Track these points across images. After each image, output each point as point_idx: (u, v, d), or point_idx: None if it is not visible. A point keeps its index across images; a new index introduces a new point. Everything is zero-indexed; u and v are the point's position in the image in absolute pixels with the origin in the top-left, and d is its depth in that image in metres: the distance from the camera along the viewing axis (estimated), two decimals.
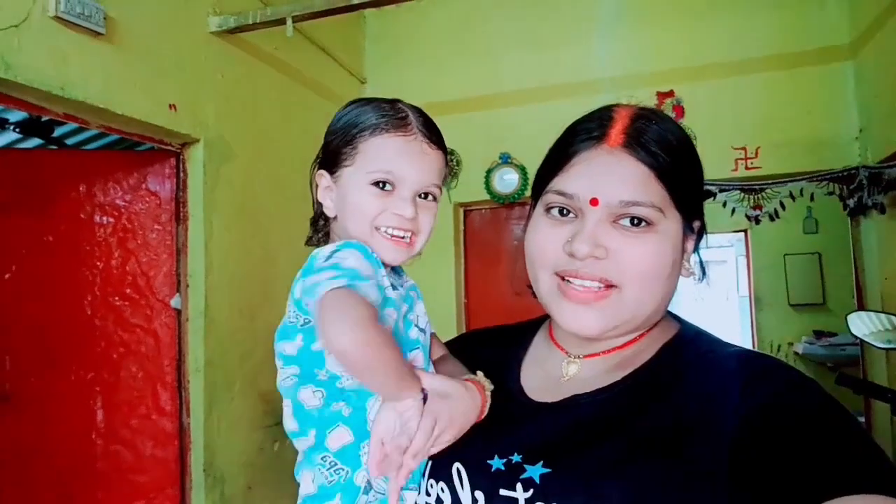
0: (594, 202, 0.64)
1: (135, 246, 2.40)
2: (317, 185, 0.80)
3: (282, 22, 2.44)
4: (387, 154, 0.74)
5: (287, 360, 0.72)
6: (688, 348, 0.68)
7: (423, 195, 0.76)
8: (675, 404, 0.61)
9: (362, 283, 0.63)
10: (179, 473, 2.33)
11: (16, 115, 3.30)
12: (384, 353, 0.61)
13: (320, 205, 0.80)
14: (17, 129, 3.33)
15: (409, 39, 3.68)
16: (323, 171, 0.79)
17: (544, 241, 0.68)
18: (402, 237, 0.75)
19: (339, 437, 0.69)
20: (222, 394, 2.44)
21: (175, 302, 2.39)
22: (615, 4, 3.31)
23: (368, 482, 0.68)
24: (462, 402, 0.68)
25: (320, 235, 0.82)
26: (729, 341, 0.69)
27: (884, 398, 1.47)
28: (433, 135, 0.78)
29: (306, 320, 0.69)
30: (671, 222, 0.65)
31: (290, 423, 0.73)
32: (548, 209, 0.69)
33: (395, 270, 0.80)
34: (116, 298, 2.39)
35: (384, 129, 0.74)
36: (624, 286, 0.64)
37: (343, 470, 0.68)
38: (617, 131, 0.66)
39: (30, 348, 2.35)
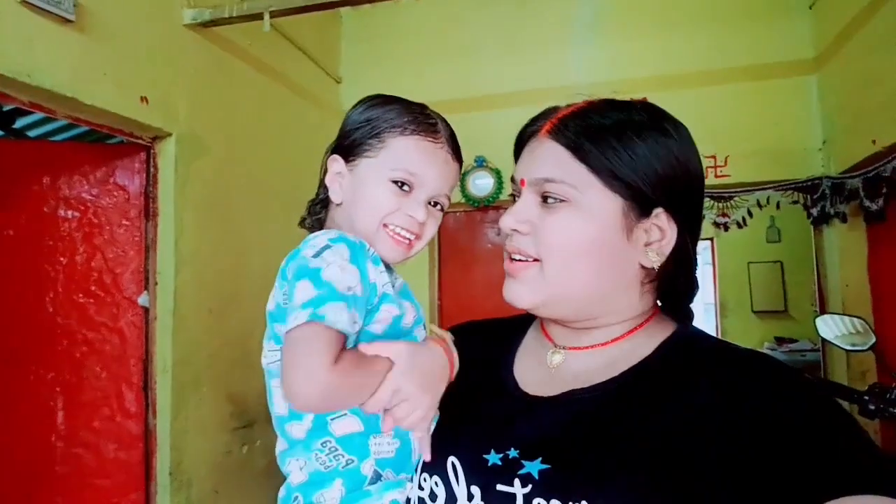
0: (522, 182, 0.71)
1: (101, 242, 2.32)
2: (326, 169, 0.80)
3: (259, 17, 2.40)
4: (414, 155, 0.75)
5: (280, 341, 0.70)
6: (687, 346, 0.68)
7: (433, 203, 0.78)
8: (677, 402, 0.61)
9: (332, 307, 0.62)
10: (144, 477, 2.26)
11: None
12: (341, 391, 0.64)
13: (325, 189, 0.80)
14: None
15: (386, 40, 3.67)
16: (337, 157, 0.79)
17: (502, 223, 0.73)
18: (406, 238, 0.76)
19: (346, 425, 0.68)
20: (190, 395, 2.38)
21: (143, 300, 2.32)
22: (591, 13, 3.36)
23: (376, 472, 0.67)
24: (425, 358, 0.71)
25: (314, 220, 0.81)
26: (727, 340, 0.70)
27: (850, 398, 1.52)
28: (456, 147, 0.80)
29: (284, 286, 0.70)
30: (596, 200, 0.66)
31: (278, 407, 0.72)
32: (511, 196, 0.75)
33: (388, 268, 0.80)
34: (81, 295, 2.31)
35: (416, 131, 0.75)
36: (542, 259, 0.68)
37: (343, 457, 0.68)
38: (549, 122, 0.70)
39: None
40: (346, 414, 0.69)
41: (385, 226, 0.75)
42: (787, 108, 3.12)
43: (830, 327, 1.74)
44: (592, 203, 0.66)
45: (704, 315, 6.03)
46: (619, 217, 0.66)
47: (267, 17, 2.38)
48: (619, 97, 0.73)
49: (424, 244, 0.79)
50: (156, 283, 2.32)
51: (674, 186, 0.67)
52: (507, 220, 0.70)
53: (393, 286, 0.74)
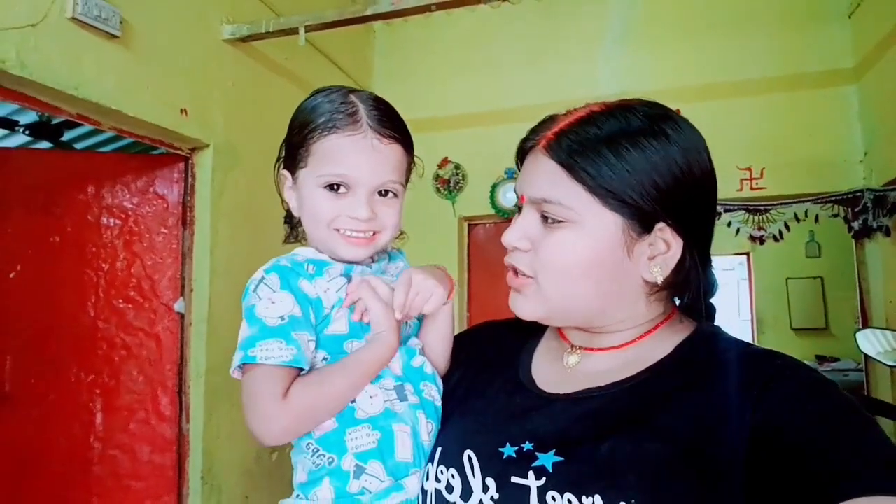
0: (522, 199, 0.71)
1: (140, 249, 2.40)
2: (282, 185, 0.80)
3: (294, 31, 2.47)
4: (335, 156, 0.72)
5: None
6: (705, 346, 0.67)
7: (382, 192, 0.75)
8: (695, 401, 0.60)
9: (263, 345, 0.66)
10: (177, 480, 2.30)
11: (26, 117, 3.32)
12: (303, 416, 0.68)
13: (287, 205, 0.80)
14: (27, 132, 3.35)
15: (418, 54, 3.72)
16: (285, 172, 0.78)
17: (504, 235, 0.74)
18: (361, 237, 0.75)
19: (322, 425, 0.69)
20: (223, 400, 2.42)
21: (178, 306, 2.38)
22: (620, 23, 3.35)
23: (358, 466, 0.68)
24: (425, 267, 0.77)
25: (297, 233, 0.82)
26: (746, 340, 0.68)
27: (893, 416, 1.46)
28: (386, 128, 0.74)
29: None
30: (595, 220, 0.64)
31: None
32: (517, 206, 0.75)
33: (390, 257, 0.83)
34: (120, 301, 2.38)
35: (332, 128, 0.72)
36: (538, 277, 0.68)
37: (325, 456, 0.69)
38: (547, 135, 0.68)
39: (31, 349, 2.33)
40: None
41: (337, 230, 0.74)
42: (826, 118, 3.04)
43: (872, 343, 1.68)
44: (591, 223, 0.65)
45: (740, 331, 5.88)
46: (619, 236, 0.65)
47: (302, 31, 2.44)
48: None
49: (391, 234, 0.78)
50: (191, 290, 2.38)
51: (677, 197, 0.64)
52: (509, 237, 0.70)
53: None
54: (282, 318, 0.67)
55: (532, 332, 0.81)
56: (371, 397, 0.70)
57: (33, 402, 2.33)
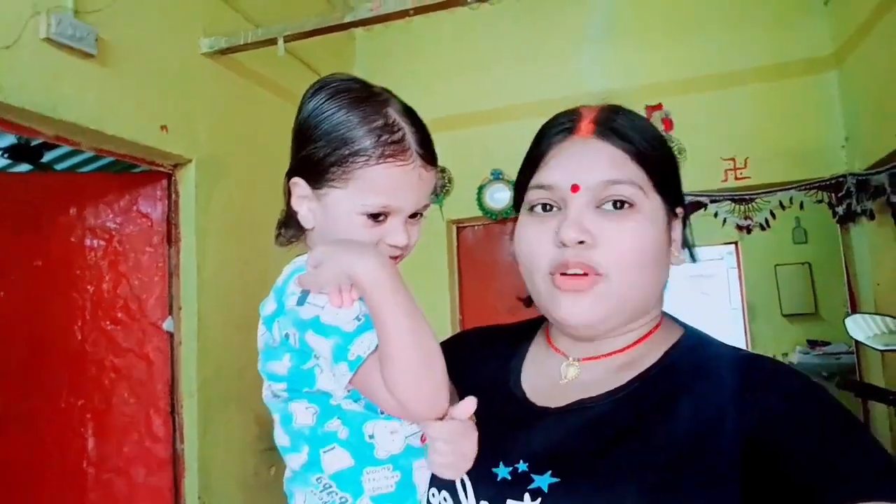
0: (575, 188, 0.64)
1: (126, 269, 2.37)
2: (290, 192, 0.74)
3: (273, 42, 2.45)
4: (384, 187, 0.68)
5: (275, 378, 0.69)
6: (693, 352, 0.67)
7: (412, 214, 0.73)
8: (686, 409, 0.60)
9: (356, 345, 0.61)
10: (174, 501, 2.27)
11: (4, 141, 3.27)
12: (411, 351, 0.61)
13: (294, 211, 0.74)
14: (6, 155, 3.30)
15: (400, 58, 3.71)
16: (299, 181, 0.72)
17: (532, 238, 0.67)
18: (393, 258, 0.72)
19: (337, 459, 0.66)
20: (217, 418, 2.39)
21: (167, 325, 2.35)
22: (604, 20, 3.36)
23: None
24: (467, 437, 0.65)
25: (290, 235, 0.77)
26: (734, 345, 0.68)
27: (886, 400, 1.47)
28: (429, 154, 0.72)
29: (285, 337, 0.67)
30: (653, 204, 0.65)
31: (280, 438, 0.71)
32: (531, 208, 0.69)
33: None
34: (108, 322, 2.35)
35: (383, 155, 0.67)
36: (610, 273, 0.63)
37: (338, 494, 0.65)
38: (587, 122, 0.67)
39: (19, 374, 2.29)
40: (334, 447, 0.66)
41: None
42: (808, 106, 3.07)
43: (862, 327, 1.70)
44: (648, 207, 0.64)
45: (732, 320, 5.91)
46: (665, 220, 0.67)
47: (281, 41, 2.43)
48: (635, 104, 0.72)
49: (410, 252, 0.76)
50: (180, 308, 2.35)
51: (680, 184, 0.70)
52: (569, 233, 0.62)
53: None
54: (357, 318, 0.63)
55: (519, 340, 0.79)
56: (392, 433, 0.67)
57: (23, 427, 2.29)
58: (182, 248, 2.37)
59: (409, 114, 0.72)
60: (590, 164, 0.65)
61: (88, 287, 2.35)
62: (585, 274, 0.63)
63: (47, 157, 3.51)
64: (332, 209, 0.70)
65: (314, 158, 0.70)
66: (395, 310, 0.61)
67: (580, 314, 0.64)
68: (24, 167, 3.53)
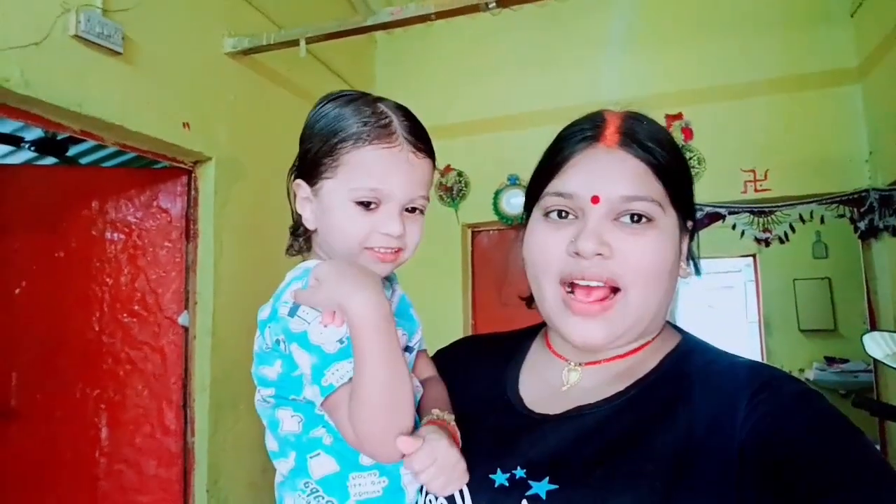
0: (595, 200, 0.63)
1: (144, 263, 2.40)
2: (294, 195, 0.75)
3: (295, 43, 2.48)
4: (371, 169, 0.68)
5: (265, 383, 0.70)
6: (692, 359, 0.67)
7: (409, 209, 0.72)
8: (684, 417, 0.60)
9: (330, 373, 0.61)
10: (183, 494, 2.30)
11: (31, 134, 3.34)
12: (378, 397, 0.61)
13: (299, 215, 0.75)
14: (32, 148, 3.37)
15: (419, 62, 3.73)
16: (300, 181, 0.74)
17: (545, 244, 0.66)
18: (390, 252, 0.72)
19: (322, 465, 0.66)
20: (228, 413, 2.42)
21: (183, 319, 2.38)
22: (624, 27, 3.35)
23: None
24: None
25: (301, 242, 0.78)
26: (731, 352, 0.68)
27: None
28: (420, 141, 0.72)
29: (276, 343, 0.67)
30: (669, 219, 0.65)
31: (270, 443, 0.72)
32: (546, 213, 0.68)
33: (388, 278, 0.78)
34: (125, 315, 2.38)
35: (367, 139, 0.68)
36: (628, 287, 0.63)
37: (324, 499, 0.66)
38: (612, 131, 0.66)
39: (37, 364, 2.34)
40: (320, 453, 0.66)
41: (368, 248, 0.70)
42: (830, 118, 3.02)
43: (880, 345, 1.66)
44: (664, 222, 0.64)
45: (748, 334, 5.83)
46: (679, 234, 0.67)
47: (303, 43, 2.45)
48: (654, 112, 0.72)
49: (411, 253, 0.74)
50: (195, 303, 2.38)
51: (693, 198, 0.70)
52: (588, 245, 0.61)
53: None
54: (340, 341, 0.62)
55: (516, 347, 0.79)
56: None
57: (40, 417, 2.33)
58: (200, 245, 2.40)
59: (401, 108, 0.73)
60: (612, 176, 0.64)
61: (107, 280, 2.39)
62: (603, 287, 0.63)
63: (72, 151, 3.58)
64: (325, 202, 0.71)
65: (309, 155, 0.72)
66: (375, 352, 0.60)
67: (592, 337, 0.64)
68: (49, 160, 3.60)
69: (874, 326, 2.98)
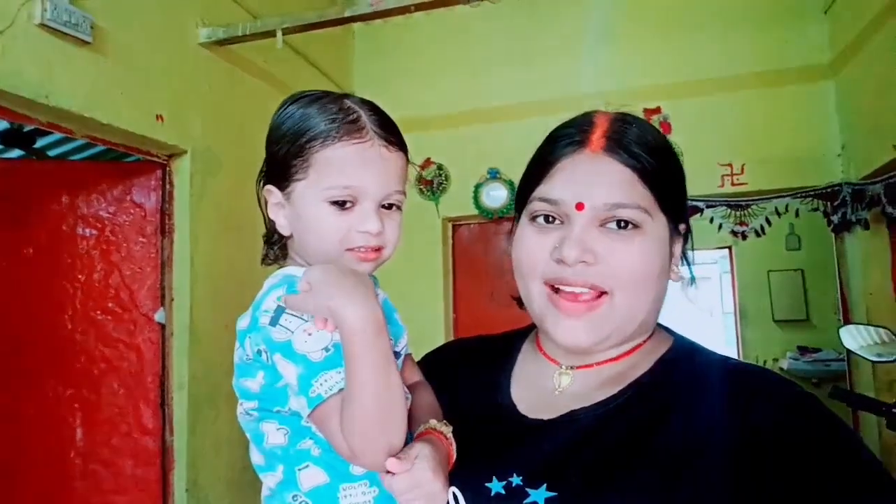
0: (580, 207, 0.64)
1: (118, 259, 2.34)
2: (266, 202, 0.73)
3: (271, 34, 2.43)
4: (343, 166, 0.67)
5: (247, 395, 0.68)
6: (684, 361, 0.67)
7: (386, 205, 0.71)
8: (679, 421, 0.60)
9: (318, 384, 0.59)
10: (161, 494, 2.26)
11: None
12: (371, 406, 0.59)
13: (272, 222, 0.73)
14: None
15: (398, 55, 3.70)
16: (271, 187, 0.72)
17: (531, 249, 0.67)
18: (371, 251, 0.70)
19: (311, 476, 0.65)
20: (207, 411, 2.38)
21: (159, 316, 2.33)
22: (603, 21, 3.36)
23: None
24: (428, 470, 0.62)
25: (276, 251, 0.75)
26: (724, 354, 0.68)
27: (878, 411, 1.48)
28: (391, 134, 0.70)
29: (257, 353, 0.65)
30: (658, 224, 0.65)
31: (255, 457, 0.70)
32: (533, 218, 0.68)
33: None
34: (98, 312, 2.33)
35: (336, 136, 0.67)
36: (614, 291, 0.63)
37: None
38: (598, 136, 0.66)
39: (7, 363, 2.27)
40: (308, 465, 0.65)
41: (348, 249, 0.69)
42: (804, 114, 3.07)
43: (855, 338, 1.70)
44: (652, 227, 0.64)
45: (724, 324, 5.94)
46: (668, 239, 0.67)
47: (279, 34, 2.41)
48: (632, 107, 0.71)
49: (391, 251, 0.73)
50: (172, 300, 2.33)
51: (685, 201, 0.70)
52: (571, 253, 0.62)
53: None
54: (326, 349, 0.61)
55: (506, 351, 0.78)
56: None
57: (10, 416, 2.27)
58: (176, 240, 2.35)
59: (368, 103, 0.72)
60: (597, 183, 0.64)
61: (79, 276, 2.33)
62: (590, 293, 0.64)
63: (40, 142, 3.47)
64: (298, 205, 0.69)
65: (277, 158, 0.70)
66: (369, 364, 0.58)
67: (578, 337, 0.65)
68: (15, 153, 3.49)
69: (846, 316, 3.05)
